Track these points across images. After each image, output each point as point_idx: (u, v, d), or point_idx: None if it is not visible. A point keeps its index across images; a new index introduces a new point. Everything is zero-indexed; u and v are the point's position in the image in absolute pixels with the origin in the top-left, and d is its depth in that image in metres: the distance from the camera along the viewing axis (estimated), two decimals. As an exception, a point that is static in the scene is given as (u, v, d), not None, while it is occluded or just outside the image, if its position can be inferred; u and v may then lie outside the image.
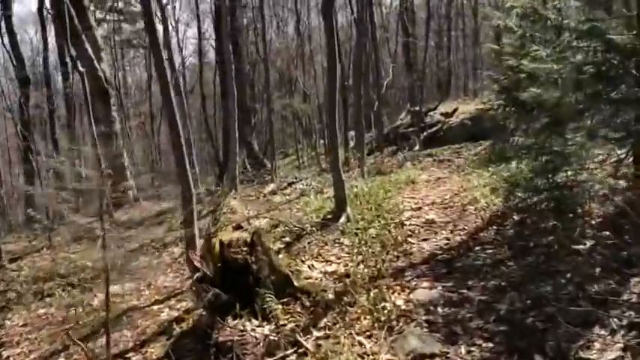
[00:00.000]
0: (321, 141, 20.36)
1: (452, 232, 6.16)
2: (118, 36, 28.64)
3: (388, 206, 7.55)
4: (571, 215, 4.98)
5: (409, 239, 6.08)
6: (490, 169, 9.38)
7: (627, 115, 4.42)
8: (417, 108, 17.70)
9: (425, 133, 17.81)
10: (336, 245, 6.16)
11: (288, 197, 10.44)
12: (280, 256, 6.09)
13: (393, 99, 25.13)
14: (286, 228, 6.85)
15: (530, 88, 5.25)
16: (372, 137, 19.04)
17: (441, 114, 19.55)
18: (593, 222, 4.86)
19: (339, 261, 5.81)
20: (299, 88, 22.43)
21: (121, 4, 26.90)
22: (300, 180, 12.32)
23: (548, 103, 4.89)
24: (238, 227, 7.29)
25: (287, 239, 6.62)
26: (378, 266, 5.33)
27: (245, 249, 5.23)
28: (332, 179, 7.39)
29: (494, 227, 5.88)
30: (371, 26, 19.80)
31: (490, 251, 5.22)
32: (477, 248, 5.40)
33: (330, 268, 5.65)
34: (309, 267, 5.78)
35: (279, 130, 30.55)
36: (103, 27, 24.61)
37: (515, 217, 5.85)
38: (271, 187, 11.56)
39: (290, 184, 11.94)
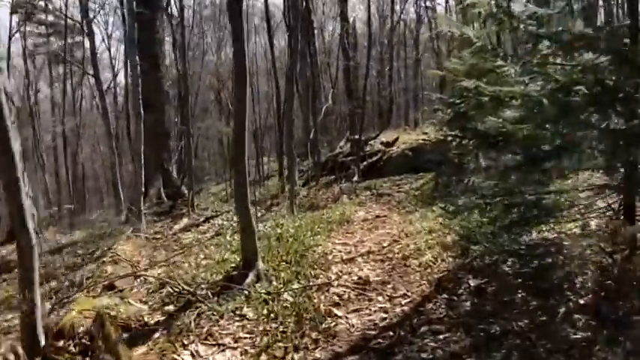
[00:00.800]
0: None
1: (390, 299, 4.60)
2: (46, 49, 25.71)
3: (314, 256, 5.92)
4: (549, 287, 3.60)
5: (335, 310, 4.45)
6: (434, 208, 8.08)
7: (629, 153, 3.11)
8: (357, 136, 16.46)
9: (365, 163, 16.58)
10: (236, 319, 4.41)
11: (201, 236, 8.58)
12: (156, 335, 4.26)
13: (334, 126, 23.94)
14: (175, 289, 5.02)
15: (492, 115, 3.93)
16: (309, 166, 17.61)
17: (382, 143, 18.50)
18: (583, 300, 3.47)
19: (235, 345, 4.05)
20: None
21: (50, 17, 24.21)
22: (222, 214, 10.49)
23: (518, 135, 3.56)
24: (110, 287, 5.38)
25: (171, 307, 4.78)
26: (289, 357, 3.67)
27: (82, 340, 3.40)
28: (239, 226, 5.69)
29: (445, 295, 4.38)
30: (309, 49, 18.64)
31: (442, 336, 3.70)
32: (424, 329, 3.86)
33: (220, 358, 3.89)
34: (192, 355, 3.99)
35: (215, 154, 28.53)
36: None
37: (472, 283, 4.40)
38: (184, 222, 9.64)
39: (208, 219, 10.08)
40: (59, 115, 24.13)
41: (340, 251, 6.17)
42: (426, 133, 21.42)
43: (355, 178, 15.05)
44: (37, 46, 25.54)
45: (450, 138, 10.50)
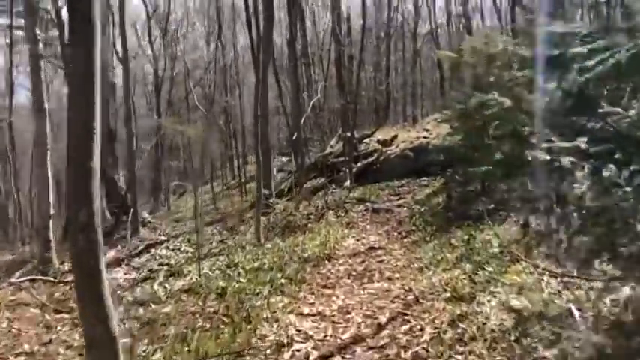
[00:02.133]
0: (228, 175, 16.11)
1: None
2: None
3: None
4: None
5: None
6: (453, 240, 5.48)
7: None
8: (350, 134, 13.79)
9: (359, 164, 13.95)
10: None
11: (122, 281, 5.96)
12: None
13: (326, 123, 21.21)
14: None
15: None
16: (293, 169, 14.98)
17: (378, 142, 15.84)
18: None
19: None
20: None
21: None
22: (170, 239, 7.87)
23: None
24: None
25: None
26: None
27: None
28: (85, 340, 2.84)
29: None
30: (292, 37, 15.99)
31: None
32: None
33: None
34: None
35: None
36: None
37: None
38: (111, 255, 7.01)
39: (149, 247, 7.46)
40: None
41: (306, 339, 3.53)
42: (427, 130, 18.85)
43: (347, 184, 12.42)
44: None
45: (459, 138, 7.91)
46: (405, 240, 6.32)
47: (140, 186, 27.81)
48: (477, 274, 4.20)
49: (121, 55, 8.49)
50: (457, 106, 8.76)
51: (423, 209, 7.88)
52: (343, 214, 8.37)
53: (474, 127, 8.01)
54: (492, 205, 6.65)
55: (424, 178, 11.87)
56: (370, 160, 13.95)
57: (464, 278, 4.13)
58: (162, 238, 7.95)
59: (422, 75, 24.83)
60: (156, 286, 5.41)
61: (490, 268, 4.19)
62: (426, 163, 12.38)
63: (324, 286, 4.66)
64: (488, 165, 6.82)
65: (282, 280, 4.71)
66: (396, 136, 15.57)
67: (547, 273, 3.86)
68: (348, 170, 12.44)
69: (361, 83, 19.20)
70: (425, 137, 16.32)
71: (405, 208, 8.34)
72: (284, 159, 22.26)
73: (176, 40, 21.79)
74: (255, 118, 6.78)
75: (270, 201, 9.09)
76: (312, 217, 8.36)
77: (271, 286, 4.62)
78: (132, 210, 8.25)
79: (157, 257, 6.99)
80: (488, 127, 7.59)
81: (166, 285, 5.40)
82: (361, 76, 18.78)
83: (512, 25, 16.75)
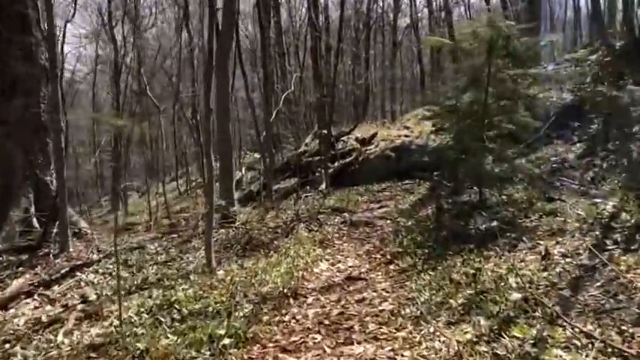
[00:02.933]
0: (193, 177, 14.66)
1: None
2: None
3: None
4: None
5: None
6: (454, 275, 4.23)
7: None
8: (326, 131, 12.44)
9: (336, 164, 12.66)
10: None
11: (21, 326, 4.48)
12: None
13: (302, 118, 19.71)
14: None
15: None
16: (261, 171, 13.60)
17: (357, 140, 14.56)
18: None
19: None
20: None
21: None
22: (103, 259, 6.37)
23: None
24: None
25: None
26: None
27: None
28: None
29: None
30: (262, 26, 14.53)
31: None
32: None
33: None
34: None
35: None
36: None
37: None
38: (20, 282, 5.47)
39: (75, 269, 5.95)
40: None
41: None
42: (408, 128, 17.67)
43: (322, 187, 11.12)
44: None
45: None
46: (391, 267, 5.03)
47: (102, 187, 25.88)
48: (498, 338, 2.94)
49: (46, 33, 6.88)
50: (446, 102, 7.58)
51: (409, 223, 6.62)
52: (316, 228, 7.04)
53: (467, 126, 6.82)
54: (495, 223, 5.44)
55: (407, 181, 10.68)
56: (348, 159, 12.68)
57: (482, 348, 2.85)
58: (95, 257, 6.44)
59: (402, 69, 23.64)
60: (60, 337, 3.97)
61: (517, 333, 2.93)
62: (409, 165, 11.18)
63: (285, 350, 3.32)
64: (487, 171, 5.63)
65: (227, 341, 3.34)
66: (375, 134, 14.33)
67: (602, 344, 2.63)
68: (323, 171, 11.11)
69: (339, 75, 17.86)
70: (406, 135, 15.13)
71: (389, 221, 7.07)
72: (257, 155, 20.71)
73: (141, 27, 19.94)
74: (207, 112, 5.33)
75: (232, 210, 7.68)
76: (279, 230, 7.00)
77: (210, 350, 3.26)
78: (59, 219, 6.71)
79: (83, 284, 5.51)
80: (486, 126, 6.39)
81: (76, 335, 3.98)
82: (339, 69, 17.45)
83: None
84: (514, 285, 3.68)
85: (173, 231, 7.97)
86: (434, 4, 25.15)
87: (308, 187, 11.70)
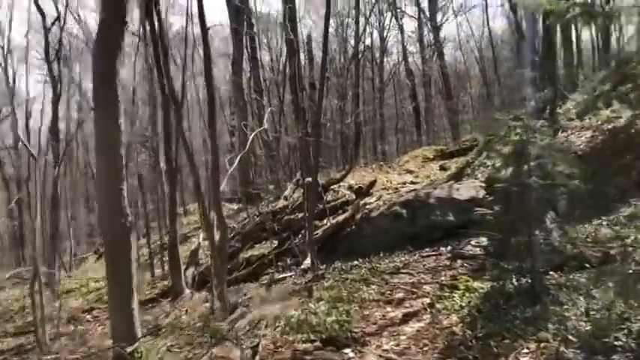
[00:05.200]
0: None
1: None
2: None
3: None
4: None
5: None
6: None
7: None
8: (312, 178, 8.98)
9: (326, 223, 9.21)
10: None
11: None
12: None
13: (280, 164, 16.30)
14: None
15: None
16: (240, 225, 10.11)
17: (351, 188, 11.23)
18: None
19: None
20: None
21: None
22: None
23: None
24: None
25: None
26: None
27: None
28: None
29: None
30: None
31: None
32: None
33: None
34: None
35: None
36: None
37: None
38: None
39: None
40: None
41: None
42: (411, 172, 14.49)
43: (307, 262, 7.58)
44: None
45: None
46: None
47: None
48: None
49: None
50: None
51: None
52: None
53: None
54: None
55: (427, 251, 7.26)
56: (342, 217, 9.14)
57: None
58: None
59: (396, 106, 20.77)
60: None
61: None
62: (426, 226, 7.83)
63: None
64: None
65: None
66: (374, 182, 11.03)
67: None
68: (309, 240, 7.55)
69: (325, 113, 14.81)
70: (412, 182, 11.88)
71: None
72: (234, 206, 17.18)
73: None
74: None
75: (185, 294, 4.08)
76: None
77: None
78: None
79: None
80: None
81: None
82: (325, 106, 14.43)
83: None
84: None
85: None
86: (425, 39, 22.72)
87: (288, 260, 8.22)
